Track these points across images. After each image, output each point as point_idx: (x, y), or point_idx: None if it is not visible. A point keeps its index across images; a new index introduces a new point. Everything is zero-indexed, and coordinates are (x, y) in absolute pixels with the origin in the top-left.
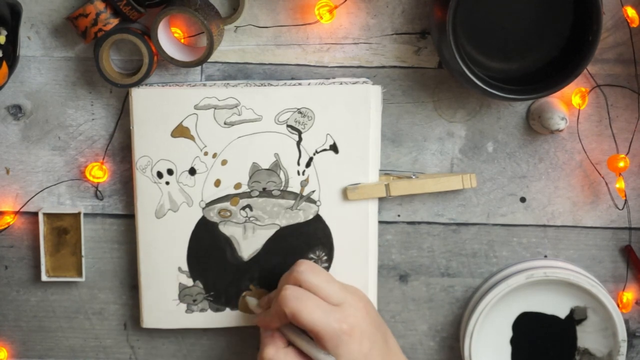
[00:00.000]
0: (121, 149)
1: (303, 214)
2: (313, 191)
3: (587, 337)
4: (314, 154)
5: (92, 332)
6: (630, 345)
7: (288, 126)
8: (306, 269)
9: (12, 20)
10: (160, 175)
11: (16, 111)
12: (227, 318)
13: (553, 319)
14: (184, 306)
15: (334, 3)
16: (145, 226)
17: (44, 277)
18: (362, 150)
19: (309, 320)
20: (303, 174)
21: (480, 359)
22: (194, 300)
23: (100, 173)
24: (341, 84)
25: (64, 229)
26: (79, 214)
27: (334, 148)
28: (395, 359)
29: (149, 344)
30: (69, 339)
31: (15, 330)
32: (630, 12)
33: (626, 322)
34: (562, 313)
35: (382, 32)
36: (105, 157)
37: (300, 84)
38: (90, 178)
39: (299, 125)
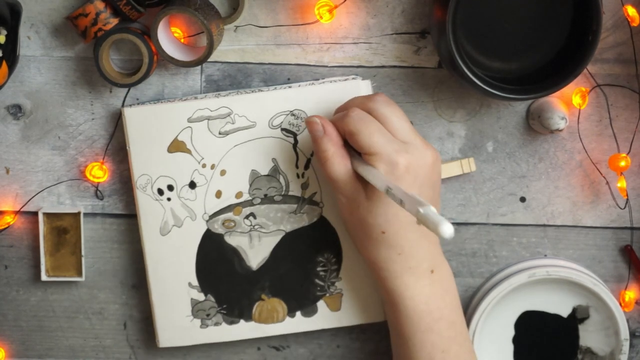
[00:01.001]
0: (121, 148)
1: (307, 217)
2: (314, 193)
3: (589, 336)
4: (311, 155)
5: (92, 332)
6: (630, 345)
7: (283, 129)
8: (382, 99)
9: (12, 19)
10: (161, 192)
11: (16, 111)
12: (242, 330)
13: (555, 317)
14: (198, 322)
15: (333, 3)
16: (151, 245)
17: (43, 277)
18: None
19: (367, 142)
20: (303, 176)
21: (482, 357)
22: (208, 315)
23: (100, 173)
24: (331, 82)
25: (64, 228)
26: (78, 213)
27: None
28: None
29: (149, 343)
30: (69, 339)
31: (15, 330)
32: (631, 11)
33: (627, 321)
34: (565, 312)
35: (382, 31)
36: (105, 156)
37: (290, 86)
38: (90, 178)
39: (294, 128)
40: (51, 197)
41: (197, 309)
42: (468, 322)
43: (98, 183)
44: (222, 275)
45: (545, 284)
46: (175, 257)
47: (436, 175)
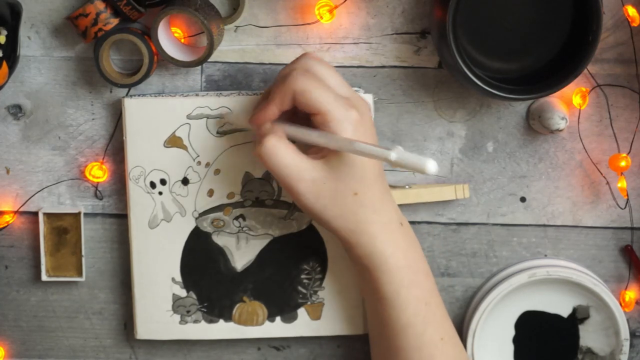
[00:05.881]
0: (121, 148)
1: (296, 224)
2: None
3: (589, 336)
4: None
5: (92, 332)
6: (630, 345)
7: None
8: (312, 57)
9: (12, 20)
10: (153, 185)
11: (16, 111)
12: (220, 330)
13: (555, 317)
14: (177, 317)
15: (334, 3)
16: (138, 236)
17: (44, 277)
18: None
19: (317, 99)
20: None
21: (482, 357)
22: (188, 312)
23: (100, 173)
24: None
25: (64, 228)
26: (79, 213)
27: None
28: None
29: (150, 343)
30: (69, 339)
31: (15, 330)
32: (631, 11)
33: (627, 321)
34: (565, 312)
35: (382, 32)
36: (105, 156)
37: None
38: (90, 178)
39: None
40: (51, 197)
41: (177, 305)
42: (468, 322)
43: (97, 183)
44: (206, 274)
45: (546, 284)
46: (161, 251)
47: (373, 129)
